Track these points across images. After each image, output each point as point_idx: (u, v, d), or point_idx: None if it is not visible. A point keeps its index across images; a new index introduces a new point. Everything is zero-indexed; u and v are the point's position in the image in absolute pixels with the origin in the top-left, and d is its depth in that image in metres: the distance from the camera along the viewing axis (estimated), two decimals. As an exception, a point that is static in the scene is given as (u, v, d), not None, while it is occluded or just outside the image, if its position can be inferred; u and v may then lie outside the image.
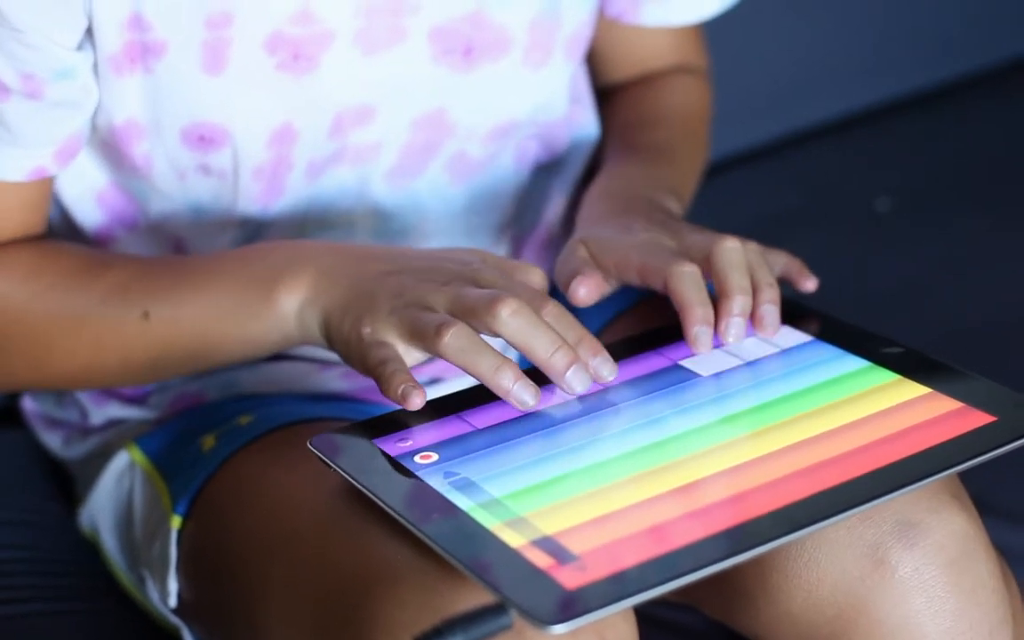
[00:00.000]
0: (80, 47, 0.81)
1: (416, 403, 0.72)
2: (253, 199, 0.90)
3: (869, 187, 1.48)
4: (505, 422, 0.74)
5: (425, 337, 0.73)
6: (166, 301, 0.83)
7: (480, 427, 0.74)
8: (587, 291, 0.81)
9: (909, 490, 0.69)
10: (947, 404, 0.74)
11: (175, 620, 0.89)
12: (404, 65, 0.88)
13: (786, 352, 0.79)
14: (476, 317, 0.73)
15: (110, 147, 0.88)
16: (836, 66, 1.58)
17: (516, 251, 1.00)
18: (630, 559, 0.64)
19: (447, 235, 0.96)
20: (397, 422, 0.75)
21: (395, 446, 0.73)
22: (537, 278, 0.78)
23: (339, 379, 0.93)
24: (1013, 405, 0.73)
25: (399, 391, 0.72)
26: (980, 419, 0.72)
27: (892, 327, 0.79)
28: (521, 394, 0.72)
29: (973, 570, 0.74)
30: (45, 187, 0.86)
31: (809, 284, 0.87)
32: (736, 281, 0.78)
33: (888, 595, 0.73)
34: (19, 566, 1.00)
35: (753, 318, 0.79)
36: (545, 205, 1.01)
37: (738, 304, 0.78)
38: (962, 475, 0.74)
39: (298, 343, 0.81)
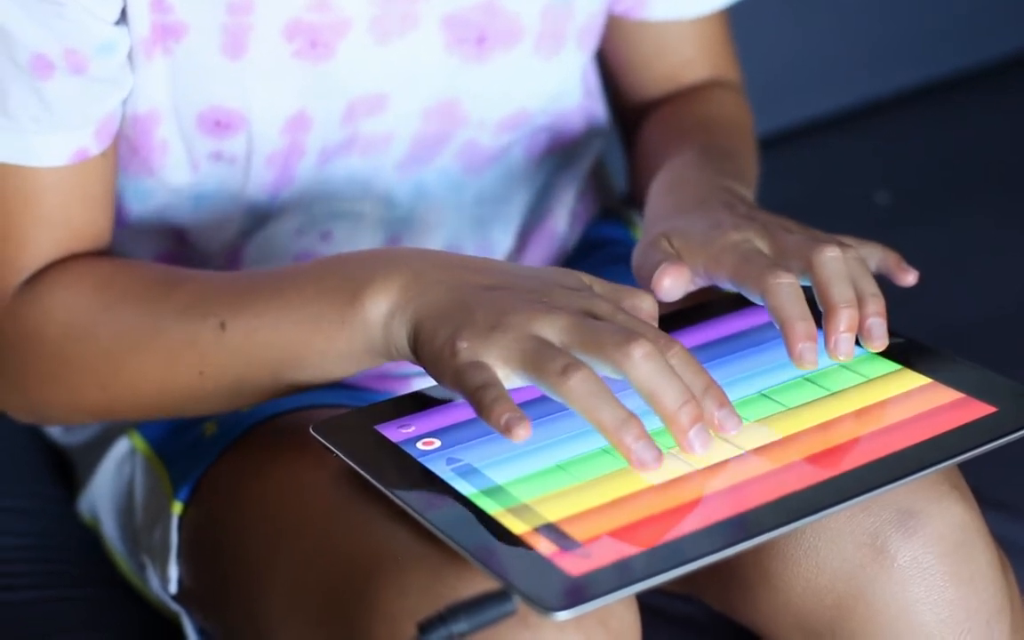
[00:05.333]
0: (118, 23, 0.81)
1: (522, 436, 0.66)
2: (263, 186, 0.90)
3: (869, 180, 1.49)
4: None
5: (546, 373, 0.67)
6: (244, 310, 0.77)
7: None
8: (672, 281, 0.77)
9: (910, 480, 0.69)
10: (948, 394, 0.74)
11: (175, 607, 0.90)
12: (417, 53, 0.88)
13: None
14: (603, 353, 0.68)
15: (125, 140, 0.88)
16: (836, 59, 1.58)
17: (523, 243, 1.00)
18: (633, 547, 0.64)
19: (455, 226, 0.96)
20: (400, 408, 0.75)
21: (398, 432, 0.73)
22: (648, 304, 0.73)
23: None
24: (1013, 396, 0.73)
25: (502, 421, 0.66)
26: (980, 410, 0.73)
27: (892, 318, 0.79)
28: (643, 453, 0.66)
29: (972, 560, 0.74)
30: (101, 178, 0.83)
31: (909, 278, 0.83)
32: (841, 294, 0.75)
33: (887, 584, 0.74)
34: (19, 553, 1.00)
35: (860, 330, 0.75)
36: (554, 197, 1.01)
37: (845, 319, 0.74)
38: (962, 467, 0.75)
39: (382, 358, 0.75)
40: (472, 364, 0.69)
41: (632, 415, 0.67)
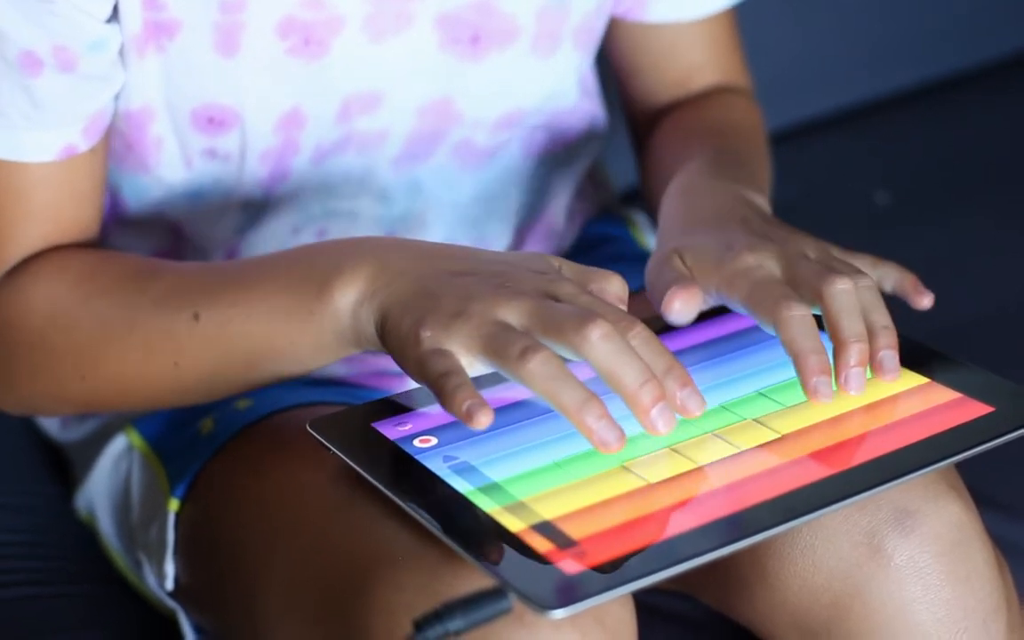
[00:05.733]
0: (110, 21, 0.81)
1: (483, 423, 0.66)
2: (257, 183, 0.90)
3: (869, 180, 1.48)
4: (506, 406, 0.74)
5: (505, 357, 0.67)
6: (217, 302, 0.78)
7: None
8: (683, 303, 0.76)
9: (907, 479, 0.69)
10: (945, 394, 0.74)
11: (171, 604, 0.90)
12: (411, 52, 0.88)
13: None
14: (562, 336, 0.68)
15: (120, 136, 0.88)
16: (836, 59, 1.58)
17: (519, 240, 1.00)
18: (630, 545, 0.64)
19: (451, 223, 0.96)
20: (396, 406, 0.75)
21: (394, 430, 0.73)
22: (616, 286, 0.73)
23: (339, 364, 0.93)
24: (1011, 396, 0.74)
25: (464, 408, 0.66)
26: (978, 409, 0.73)
27: (891, 317, 0.79)
28: (605, 434, 0.66)
29: (968, 559, 0.74)
30: (90, 173, 0.84)
31: (925, 301, 0.83)
32: (851, 329, 0.73)
33: (884, 583, 0.74)
34: (16, 549, 1.00)
35: (871, 363, 0.74)
36: (551, 195, 1.01)
37: (855, 354, 0.73)
38: (959, 466, 0.74)
39: (352, 347, 0.75)
40: (435, 351, 0.69)
41: (593, 395, 0.67)
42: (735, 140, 0.96)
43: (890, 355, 0.74)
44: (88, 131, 0.82)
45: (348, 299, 0.74)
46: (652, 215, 1.01)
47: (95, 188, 0.85)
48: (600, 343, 0.67)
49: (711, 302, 0.79)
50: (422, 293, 0.71)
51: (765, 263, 0.77)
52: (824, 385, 0.73)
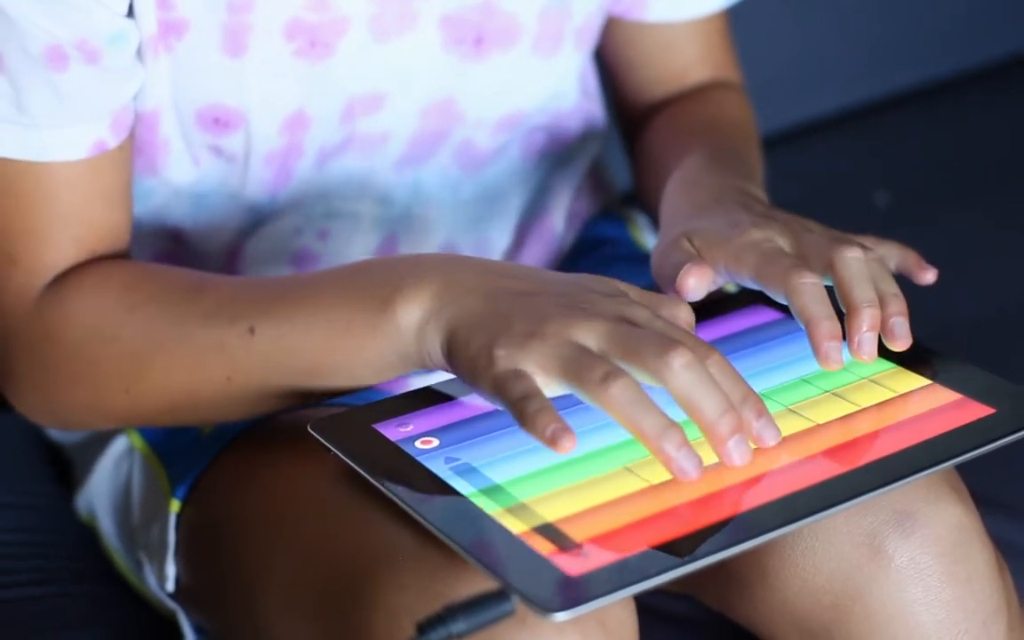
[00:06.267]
0: (129, 15, 0.80)
1: (568, 447, 0.65)
2: (262, 186, 0.90)
3: (868, 181, 1.49)
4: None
5: (585, 382, 0.66)
6: (273, 315, 0.76)
7: (482, 412, 0.74)
8: (697, 281, 0.76)
9: (908, 482, 0.69)
10: (946, 396, 0.74)
11: (172, 604, 0.90)
12: (414, 52, 0.88)
13: (785, 341, 0.79)
14: (641, 362, 0.67)
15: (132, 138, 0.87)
16: (836, 59, 1.58)
17: (520, 242, 1.00)
18: (632, 547, 0.64)
19: (452, 224, 0.96)
20: (398, 407, 0.75)
21: (396, 431, 0.73)
22: (684, 314, 0.72)
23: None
24: (1012, 397, 0.74)
25: (547, 433, 0.65)
26: (979, 411, 0.73)
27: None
28: (685, 462, 0.66)
29: (969, 560, 0.74)
30: (119, 172, 0.82)
31: (928, 276, 0.84)
32: (863, 294, 0.75)
33: (884, 584, 0.74)
34: (17, 550, 1.01)
35: (883, 331, 0.75)
36: (551, 197, 1.01)
37: (868, 319, 0.74)
38: (961, 468, 0.75)
39: (415, 365, 0.73)
40: (511, 373, 0.68)
41: (673, 423, 0.66)
42: (731, 136, 0.97)
43: (901, 321, 0.75)
44: (115, 127, 0.81)
45: (413, 316, 0.72)
46: (648, 211, 1.01)
47: (123, 188, 0.83)
48: (682, 372, 0.67)
49: (720, 281, 0.79)
50: (492, 312, 0.70)
51: (772, 237, 0.78)
52: (835, 350, 0.73)
